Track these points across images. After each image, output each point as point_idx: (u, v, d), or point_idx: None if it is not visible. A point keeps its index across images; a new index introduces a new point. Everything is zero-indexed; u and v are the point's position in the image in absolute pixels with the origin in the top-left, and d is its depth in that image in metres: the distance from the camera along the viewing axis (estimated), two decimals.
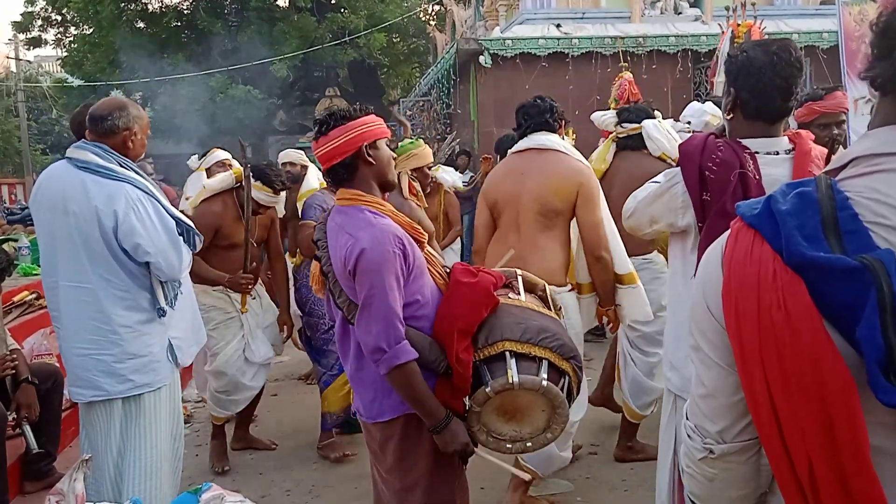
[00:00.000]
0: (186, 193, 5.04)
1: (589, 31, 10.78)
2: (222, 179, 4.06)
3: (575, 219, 3.23)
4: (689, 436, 1.04)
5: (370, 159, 2.17)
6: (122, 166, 2.67)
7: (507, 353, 2.10)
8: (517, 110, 3.44)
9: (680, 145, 2.22)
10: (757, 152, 2.06)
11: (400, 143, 3.89)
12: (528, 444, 2.16)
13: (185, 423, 4.73)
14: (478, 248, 3.47)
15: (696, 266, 2.07)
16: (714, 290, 0.96)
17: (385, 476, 2.27)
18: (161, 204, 2.71)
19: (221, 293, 3.96)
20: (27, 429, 3.29)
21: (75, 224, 2.61)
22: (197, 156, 5.14)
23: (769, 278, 0.86)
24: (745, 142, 2.08)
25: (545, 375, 2.08)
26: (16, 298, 4.93)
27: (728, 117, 2.14)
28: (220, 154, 5.16)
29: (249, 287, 3.96)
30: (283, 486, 3.82)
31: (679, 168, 2.17)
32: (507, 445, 2.16)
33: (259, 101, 16.09)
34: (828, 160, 2.64)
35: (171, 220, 2.71)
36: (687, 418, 1.05)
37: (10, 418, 3.42)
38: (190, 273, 3.52)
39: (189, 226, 2.79)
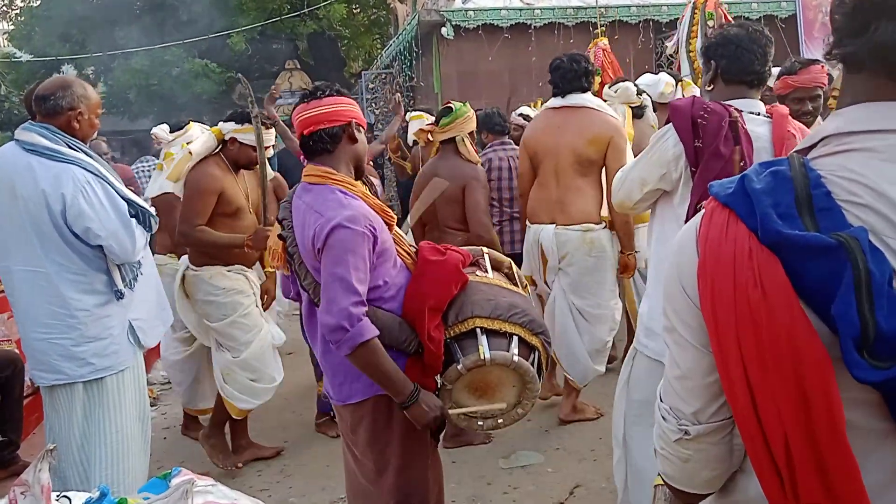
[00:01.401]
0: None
1: (551, 1, 10.71)
2: (205, 142, 3.63)
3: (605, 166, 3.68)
4: (663, 418, 1.04)
5: (356, 137, 2.17)
6: (70, 147, 2.59)
7: (478, 330, 2.11)
8: (553, 69, 3.77)
9: (670, 102, 2.40)
10: (741, 110, 2.22)
11: (453, 108, 3.71)
12: (500, 420, 2.18)
13: (152, 405, 4.66)
14: (522, 192, 4.03)
15: (688, 214, 2.19)
16: (689, 270, 0.95)
17: (359, 458, 2.26)
18: (112, 185, 2.64)
19: (239, 273, 3.63)
20: None
21: (24, 208, 2.54)
22: (166, 126, 4.68)
23: (745, 257, 0.85)
24: (728, 102, 2.25)
25: (516, 351, 2.10)
26: None
27: (709, 89, 2.31)
28: (198, 130, 4.48)
29: None
30: (255, 467, 3.80)
31: (667, 126, 2.31)
32: (479, 422, 2.19)
33: (217, 75, 15.69)
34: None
35: (122, 202, 2.64)
36: (661, 400, 1.06)
37: None
38: (203, 246, 3.49)
39: (143, 207, 2.72)
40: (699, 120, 2.20)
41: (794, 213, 0.85)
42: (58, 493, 1.57)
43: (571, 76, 3.68)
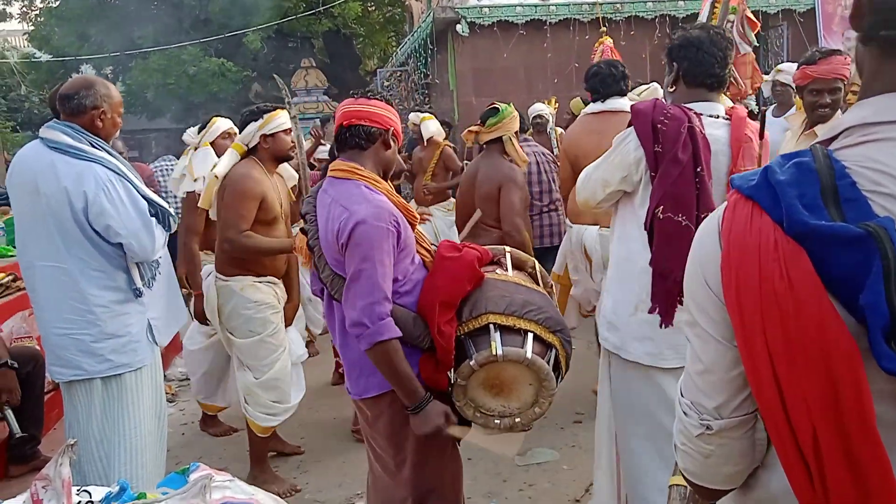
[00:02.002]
0: (196, 174, 4.20)
1: None
2: (228, 162, 3.44)
3: None
4: (685, 413, 1.03)
5: (391, 143, 2.23)
6: (93, 146, 2.62)
7: (492, 326, 2.09)
8: (590, 76, 3.79)
9: (632, 105, 2.39)
10: (700, 114, 2.26)
11: (499, 108, 3.70)
12: (517, 419, 2.14)
13: (170, 402, 4.70)
14: (564, 197, 4.08)
15: (646, 218, 2.19)
16: (712, 263, 0.94)
17: (379, 453, 2.28)
18: (133, 184, 2.67)
19: (269, 286, 3.50)
20: (10, 413, 3.25)
21: (47, 205, 2.57)
22: (195, 128, 4.69)
23: (770, 249, 0.84)
24: (689, 105, 2.29)
25: (530, 348, 2.07)
26: None
27: (671, 90, 2.36)
28: (223, 123, 4.41)
29: None
30: (272, 463, 3.81)
31: (629, 129, 2.33)
32: (496, 421, 2.14)
33: (233, 74, 15.79)
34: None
35: (142, 201, 2.67)
36: (682, 395, 1.04)
37: None
38: (249, 252, 3.39)
39: (162, 207, 2.74)
40: (659, 125, 2.22)
41: (820, 204, 0.83)
42: (78, 488, 1.58)
43: (611, 81, 3.70)
